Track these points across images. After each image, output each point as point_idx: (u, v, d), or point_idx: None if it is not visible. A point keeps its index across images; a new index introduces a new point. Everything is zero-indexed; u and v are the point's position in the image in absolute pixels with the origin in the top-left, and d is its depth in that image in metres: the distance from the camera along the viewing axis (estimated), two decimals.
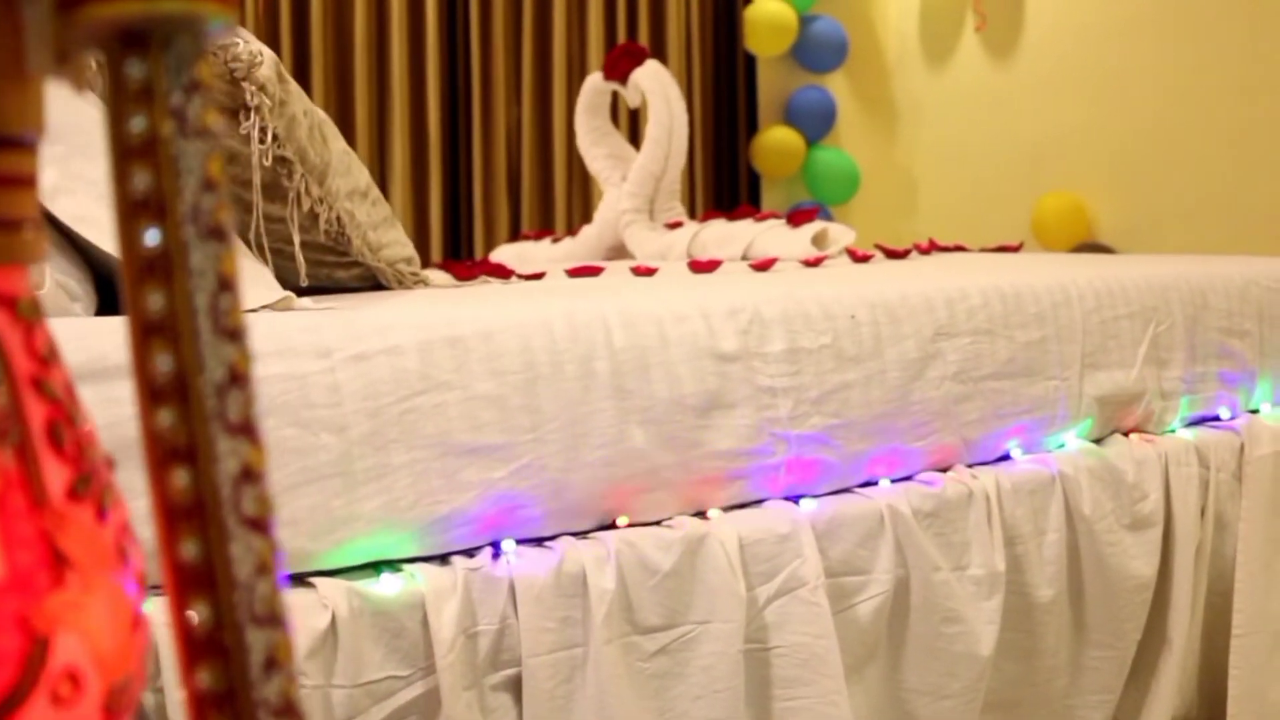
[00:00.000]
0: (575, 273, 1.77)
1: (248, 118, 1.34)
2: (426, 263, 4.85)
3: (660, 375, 1.36)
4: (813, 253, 2.12)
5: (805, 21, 5.73)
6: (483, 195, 5.03)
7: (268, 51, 1.37)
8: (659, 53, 5.43)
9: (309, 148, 1.47)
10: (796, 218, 2.20)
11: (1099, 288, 1.81)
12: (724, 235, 2.29)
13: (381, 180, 4.81)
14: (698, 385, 1.39)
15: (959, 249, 2.38)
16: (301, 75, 4.69)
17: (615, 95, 2.78)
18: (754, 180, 5.78)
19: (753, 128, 5.75)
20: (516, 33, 5.15)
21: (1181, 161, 4.86)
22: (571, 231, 2.70)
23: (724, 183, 5.72)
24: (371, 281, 1.67)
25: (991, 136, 5.70)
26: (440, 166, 4.92)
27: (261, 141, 1.36)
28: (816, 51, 5.78)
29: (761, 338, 1.45)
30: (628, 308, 1.38)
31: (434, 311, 1.33)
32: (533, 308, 1.36)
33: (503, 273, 1.87)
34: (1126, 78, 5.07)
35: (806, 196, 5.84)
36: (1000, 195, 5.68)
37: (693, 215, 5.52)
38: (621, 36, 5.30)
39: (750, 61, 5.73)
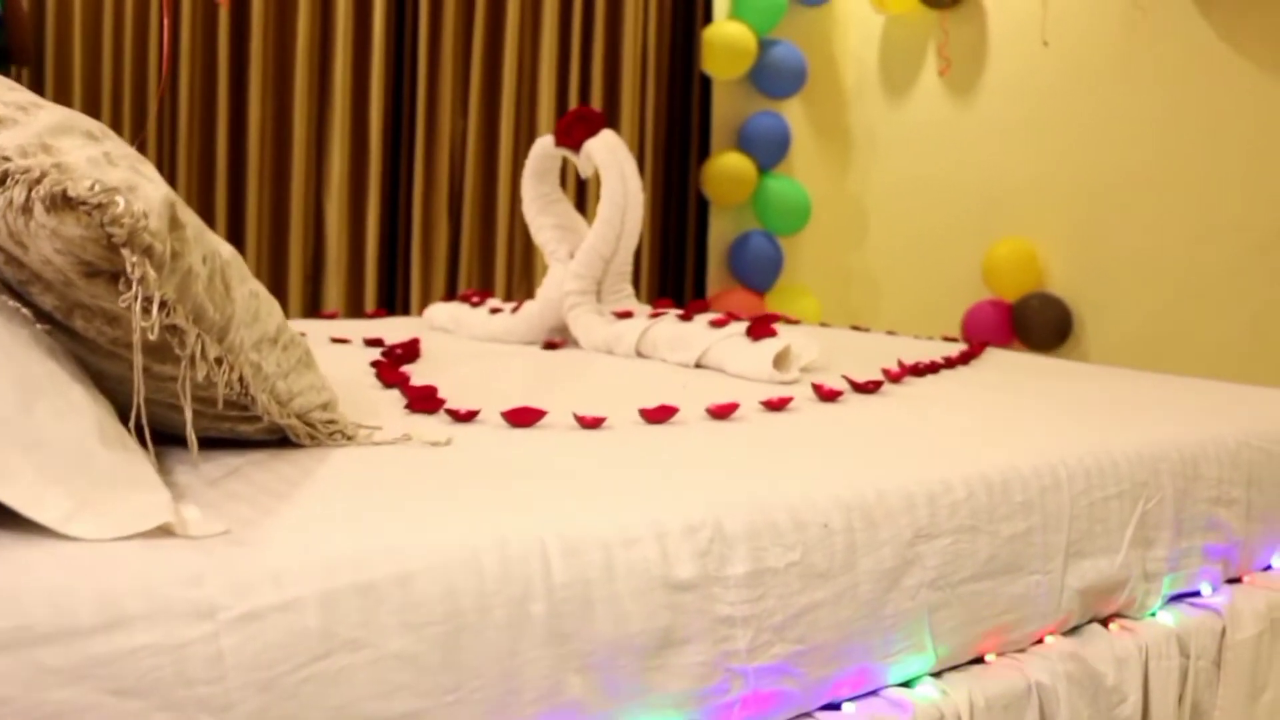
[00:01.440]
0: (513, 418, 1.56)
1: (129, 287, 1.12)
2: (360, 310, 4.59)
3: (605, 613, 1.16)
4: (775, 376, 1.92)
5: (764, 45, 5.52)
6: (421, 228, 4.78)
7: (157, 199, 1.14)
8: (614, 70, 5.20)
9: (208, 303, 1.24)
10: (756, 330, 2.00)
11: (1089, 465, 1.64)
12: (676, 337, 2.08)
13: (317, 206, 4.55)
14: (647, 622, 1.19)
15: (931, 369, 2.19)
16: (239, 84, 4.41)
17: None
18: (703, 206, 5.58)
19: (705, 152, 5.54)
20: (466, 46, 4.89)
21: (1138, 216, 4.73)
22: (515, 299, 2.46)
23: (673, 208, 5.51)
24: (280, 434, 1.44)
25: (947, 175, 5.54)
26: (379, 190, 4.66)
27: (146, 311, 1.13)
28: (774, 76, 5.57)
29: (722, 559, 1.25)
30: (571, 530, 1.18)
31: (341, 535, 1.11)
32: (460, 529, 1.14)
33: (430, 404, 1.65)
34: (1088, 128, 4.93)
35: (756, 225, 5.65)
36: (952, 236, 5.52)
37: (641, 247, 5.33)
38: (576, 49, 5.06)
39: (706, 83, 5.51)
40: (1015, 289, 5.11)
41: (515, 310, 2.39)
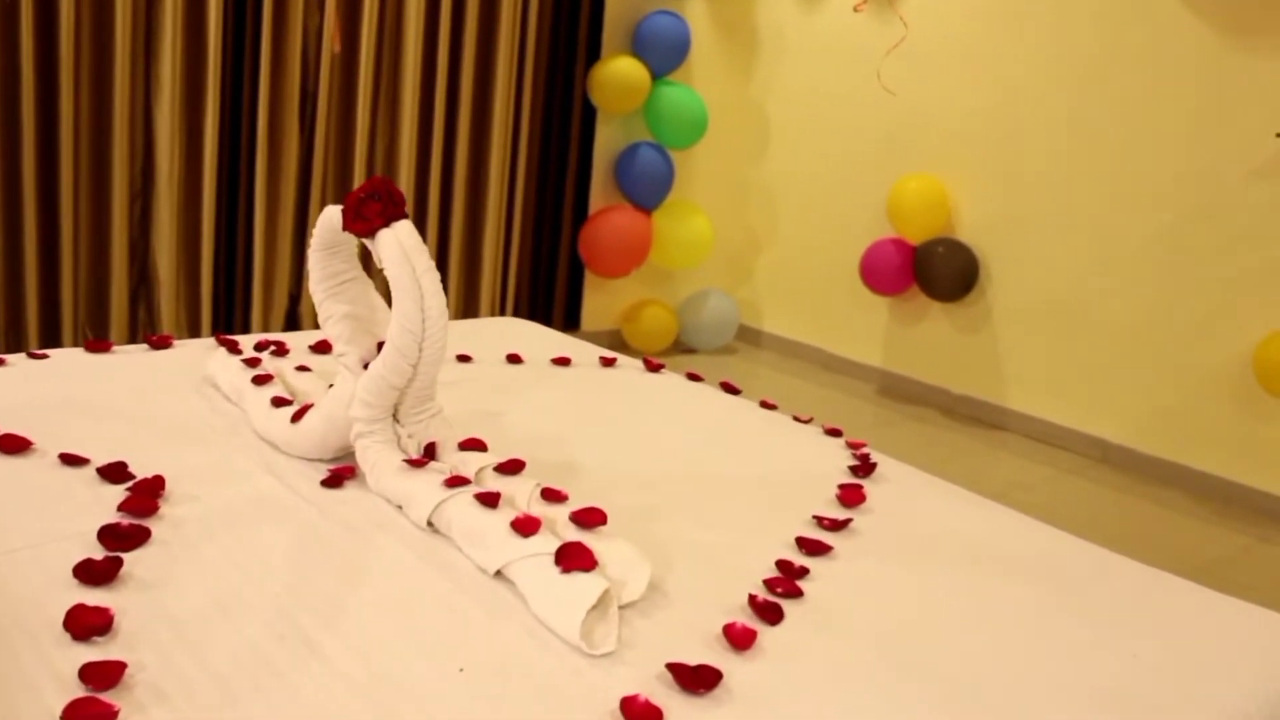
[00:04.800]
0: None
1: None
2: (196, 225, 3.95)
3: None
4: (585, 647, 1.35)
5: None
6: (267, 139, 4.13)
7: None
8: None
9: None
10: (568, 559, 1.46)
11: None
12: (474, 531, 1.52)
13: (146, 112, 3.87)
14: None
15: (817, 548, 1.73)
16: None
17: None
18: (589, 114, 4.97)
19: (594, 55, 4.91)
20: None
21: (1060, 169, 4.26)
22: (300, 407, 1.90)
23: (555, 116, 4.90)
24: None
25: (859, 95, 4.99)
26: (218, 93, 4.00)
27: None
28: None
29: None
30: None
31: None
32: None
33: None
34: (1017, 64, 4.40)
35: (646, 135, 5.08)
36: (859, 163, 5.01)
37: (515, 149, 4.74)
38: None
39: None
40: (921, 230, 4.66)
41: (297, 418, 1.85)
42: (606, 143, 5.03)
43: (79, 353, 2.38)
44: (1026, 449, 4.40)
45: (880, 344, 5.04)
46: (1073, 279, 4.31)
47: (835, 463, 2.12)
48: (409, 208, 4.52)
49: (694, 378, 2.61)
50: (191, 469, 1.78)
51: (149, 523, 1.58)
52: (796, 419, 2.37)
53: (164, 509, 1.63)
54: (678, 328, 5.26)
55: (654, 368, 2.66)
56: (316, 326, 4.34)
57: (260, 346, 2.34)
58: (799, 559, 1.66)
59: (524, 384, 2.44)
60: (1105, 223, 4.19)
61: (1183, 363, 4.03)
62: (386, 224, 1.72)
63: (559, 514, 1.59)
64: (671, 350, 5.31)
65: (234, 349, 2.33)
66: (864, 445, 2.19)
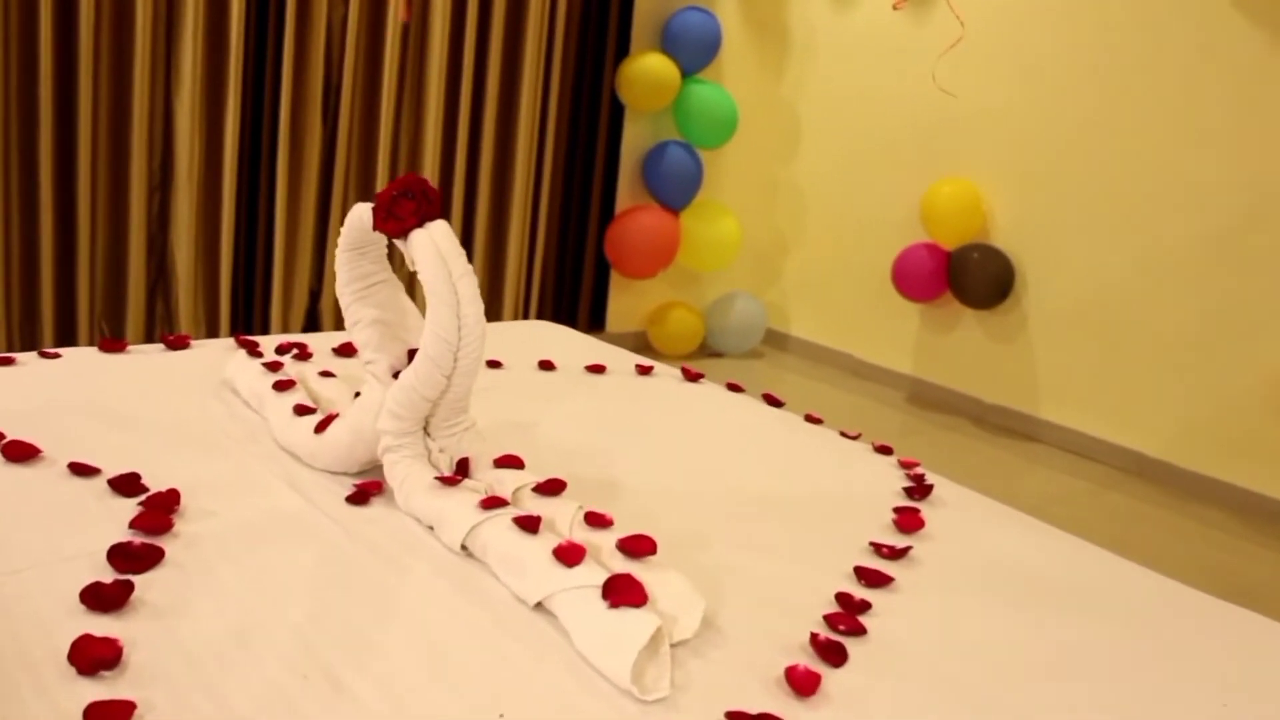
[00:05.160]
0: None
1: None
2: (216, 216, 3.84)
3: None
4: (635, 692, 1.23)
5: None
6: (290, 131, 4.02)
7: None
8: None
9: None
10: (616, 593, 1.33)
11: None
12: (511, 557, 1.39)
13: (166, 103, 3.75)
14: None
15: (878, 579, 1.61)
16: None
17: None
18: (617, 112, 4.85)
19: (623, 51, 4.78)
20: None
21: (1101, 172, 4.12)
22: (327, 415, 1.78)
23: (583, 113, 4.78)
24: None
25: (892, 96, 4.86)
26: (239, 85, 3.89)
27: None
28: None
29: None
30: None
31: None
32: None
33: None
34: (1055, 62, 4.26)
35: (675, 134, 4.95)
36: (891, 166, 4.88)
37: (541, 147, 4.62)
38: None
39: None
40: (955, 235, 4.53)
41: (321, 428, 1.73)
42: (634, 141, 4.91)
43: (92, 352, 2.27)
44: (1060, 461, 4.27)
45: (911, 351, 4.90)
46: (1111, 286, 4.17)
47: (888, 483, 1.99)
48: None
49: (734, 388, 2.49)
50: (208, 481, 1.67)
51: (163, 541, 1.46)
52: (844, 435, 2.25)
53: (179, 525, 1.52)
54: (704, 331, 5.13)
55: (692, 377, 2.53)
56: (337, 325, 4.23)
57: (282, 350, 2.23)
58: (859, 591, 1.54)
59: (557, 392, 2.32)
60: (1146, 228, 4.06)
61: (1224, 374, 3.89)
62: (420, 224, 1.60)
63: (604, 541, 1.47)
64: (697, 354, 5.19)
65: (254, 351, 2.21)
66: (917, 464, 2.06)
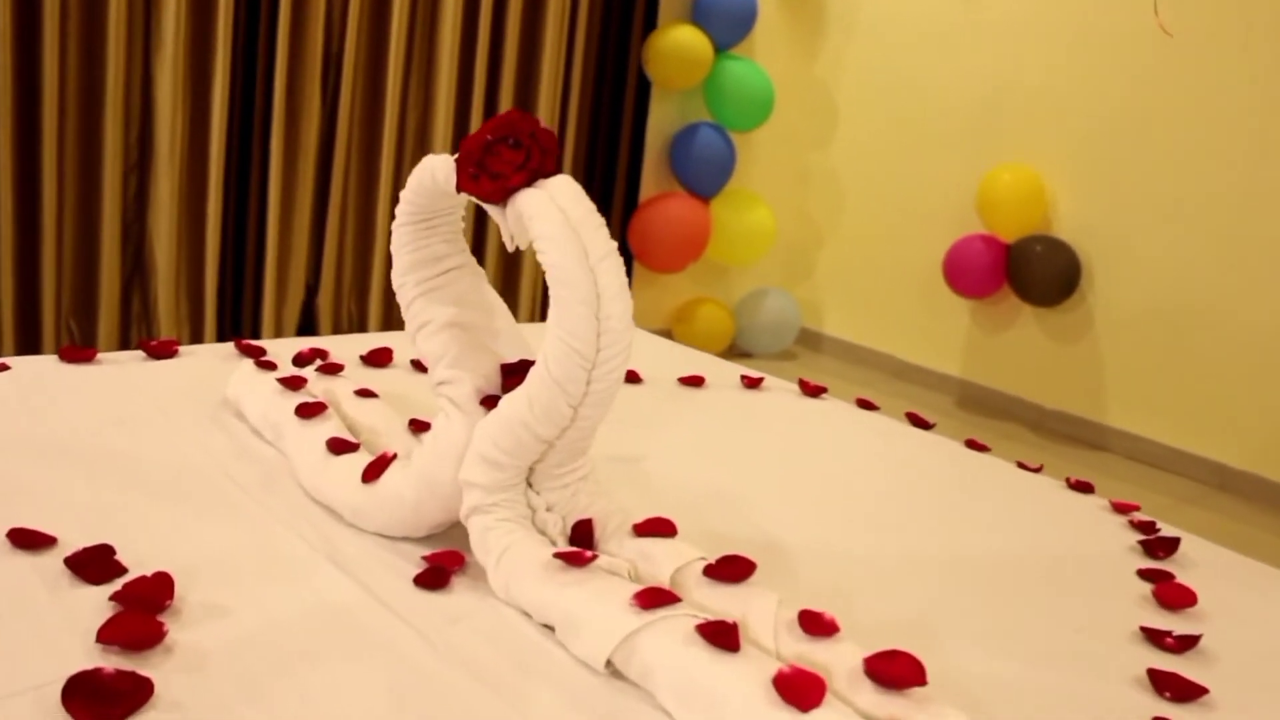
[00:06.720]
0: None
1: None
2: (200, 203, 3.30)
3: None
4: None
5: None
6: (284, 109, 3.47)
7: None
8: None
9: None
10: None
11: None
12: (703, 685, 0.89)
13: (145, 76, 3.19)
14: None
15: None
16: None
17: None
18: (643, 90, 4.33)
19: (650, 23, 4.27)
20: None
21: (1171, 153, 3.65)
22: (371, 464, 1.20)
23: (605, 90, 4.25)
24: None
25: (940, 75, 4.36)
26: (227, 59, 3.33)
27: None
28: None
29: None
30: None
31: None
32: None
33: None
34: (1120, 39, 3.78)
35: (706, 115, 4.44)
36: (941, 151, 4.38)
37: (561, 127, 4.10)
38: None
39: None
40: (1015, 227, 4.04)
41: (371, 475, 1.18)
42: (661, 122, 4.40)
43: (50, 362, 1.71)
44: (1131, 473, 3.80)
45: (960, 351, 4.41)
46: (1188, 283, 3.71)
47: (1112, 537, 1.48)
48: None
49: (866, 405, 1.97)
50: (213, 556, 1.13)
51: (149, 663, 0.93)
52: (1022, 466, 1.73)
53: (173, 633, 0.98)
54: (734, 329, 4.62)
55: (812, 391, 2.01)
56: (338, 326, 3.69)
57: (301, 360, 1.68)
58: (1160, 707, 1.02)
59: (652, 414, 1.79)
60: (1228, 220, 3.59)
61: None
62: (531, 181, 1.06)
63: (833, 656, 0.94)
64: (726, 354, 4.67)
65: (262, 360, 1.65)
66: (1136, 508, 1.54)
